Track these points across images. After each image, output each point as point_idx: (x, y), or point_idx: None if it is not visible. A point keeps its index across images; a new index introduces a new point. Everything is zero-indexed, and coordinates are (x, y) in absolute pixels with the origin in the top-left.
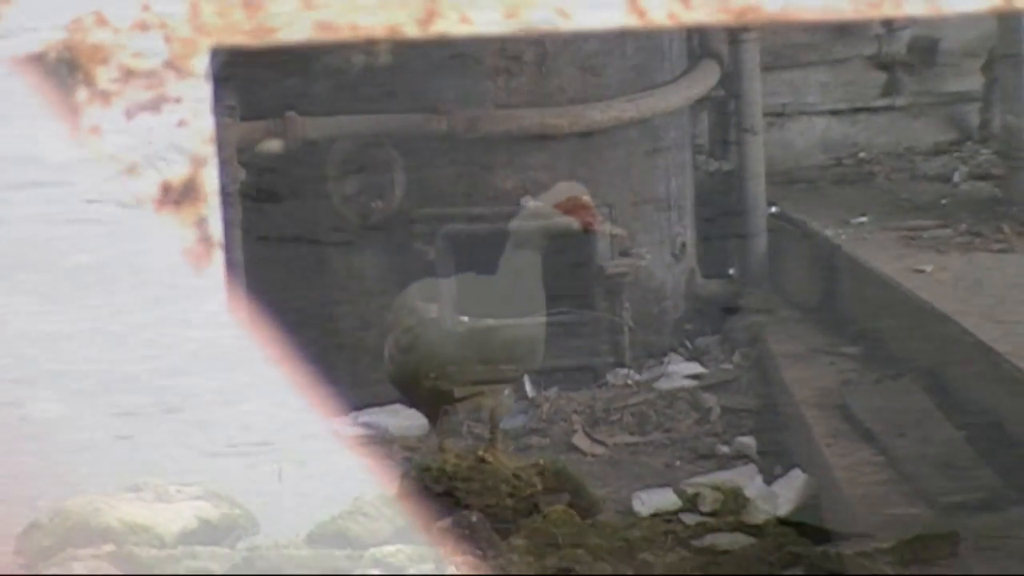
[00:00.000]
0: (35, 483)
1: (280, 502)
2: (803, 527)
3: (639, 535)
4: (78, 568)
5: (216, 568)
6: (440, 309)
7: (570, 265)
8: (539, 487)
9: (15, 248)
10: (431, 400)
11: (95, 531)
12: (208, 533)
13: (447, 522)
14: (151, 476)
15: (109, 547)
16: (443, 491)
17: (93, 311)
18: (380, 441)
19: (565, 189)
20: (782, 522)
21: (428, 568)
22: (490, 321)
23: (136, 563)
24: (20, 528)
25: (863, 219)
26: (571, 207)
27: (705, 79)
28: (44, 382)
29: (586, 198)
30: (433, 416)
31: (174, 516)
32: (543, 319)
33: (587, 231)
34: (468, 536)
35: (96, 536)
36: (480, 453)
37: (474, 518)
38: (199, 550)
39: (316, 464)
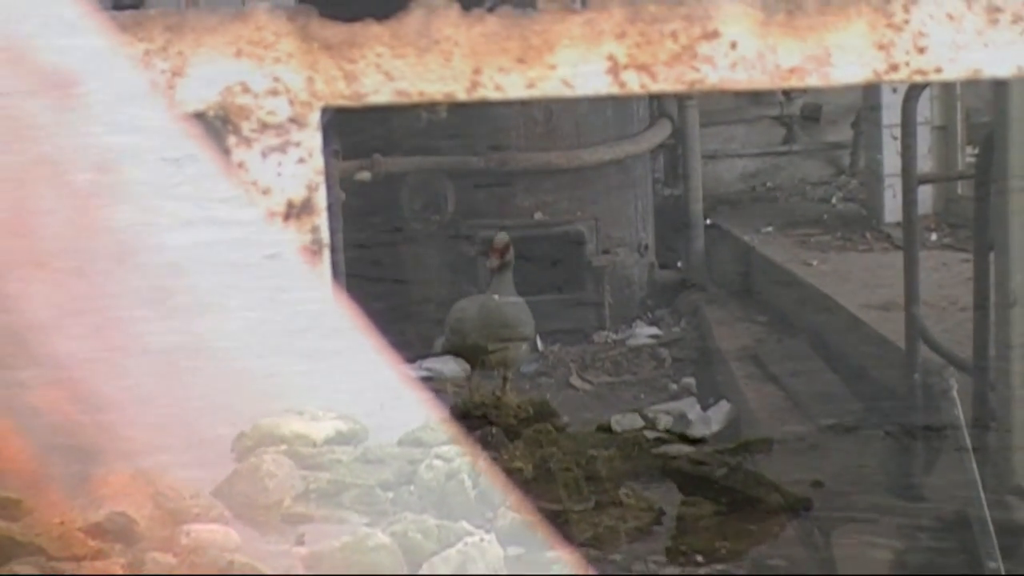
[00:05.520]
0: (244, 409)
1: (380, 421)
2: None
3: (612, 444)
4: (268, 459)
5: (344, 458)
6: (476, 297)
7: (569, 261)
8: (532, 413)
9: (190, 250)
10: (473, 352)
11: (276, 437)
12: (341, 439)
13: (478, 434)
14: (304, 405)
15: (284, 447)
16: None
17: (237, 293)
18: (437, 381)
19: (497, 238)
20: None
21: (468, 458)
22: (511, 298)
23: (299, 456)
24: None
25: (769, 228)
26: (492, 246)
27: (662, 132)
28: (230, 342)
29: (498, 243)
30: (474, 363)
31: (321, 429)
32: (522, 300)
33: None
34: (490, 442)
35: (277, 440)
36: (497, 394)
37: (494, 431)
38: (336, 448)
39: (396, 396)
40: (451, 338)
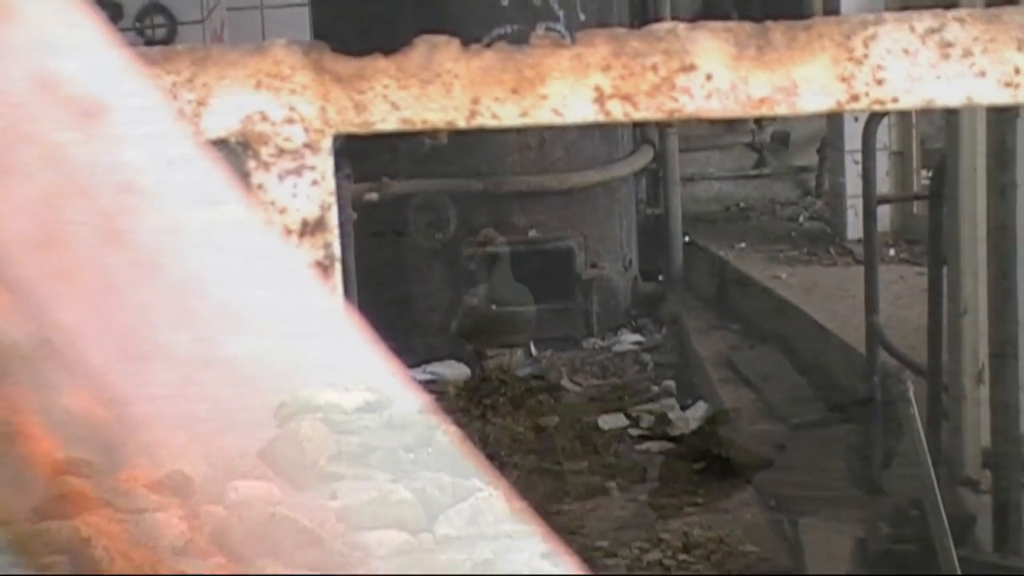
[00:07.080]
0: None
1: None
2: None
3: (601, 439)
4: (305, 425)
5: (372, 424)
6: (480, 302)
7: (560, 274)
8: (534, 386)
9: (211, 265)
10: (474, 356)
11: (313, 406)
12: (369, 408)
13: (488, 402)
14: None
15: (320, 415)
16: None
17: (255, 304)
18: (440, 383)
19: (484, 232)
20: (692, 433)
21: (478, 426)
22: (507, 308)
23: (333, 423)
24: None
25: (742, 245)
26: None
27: (644, 157)
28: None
29: (480, 236)
30: (474, 366)
31: (352, 399)
32: (533, 308)
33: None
34: (499, 410)
35: (314, 408)
36: (505, 369)
37: (502, 400)
38: (364, 416)
39: (401, 392)
40: (463, 320)
